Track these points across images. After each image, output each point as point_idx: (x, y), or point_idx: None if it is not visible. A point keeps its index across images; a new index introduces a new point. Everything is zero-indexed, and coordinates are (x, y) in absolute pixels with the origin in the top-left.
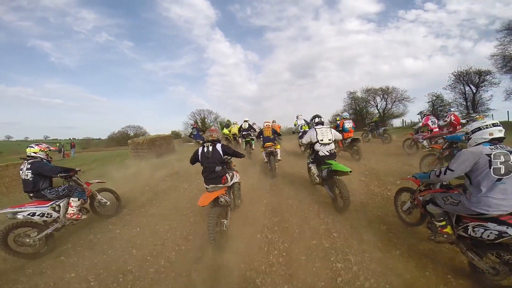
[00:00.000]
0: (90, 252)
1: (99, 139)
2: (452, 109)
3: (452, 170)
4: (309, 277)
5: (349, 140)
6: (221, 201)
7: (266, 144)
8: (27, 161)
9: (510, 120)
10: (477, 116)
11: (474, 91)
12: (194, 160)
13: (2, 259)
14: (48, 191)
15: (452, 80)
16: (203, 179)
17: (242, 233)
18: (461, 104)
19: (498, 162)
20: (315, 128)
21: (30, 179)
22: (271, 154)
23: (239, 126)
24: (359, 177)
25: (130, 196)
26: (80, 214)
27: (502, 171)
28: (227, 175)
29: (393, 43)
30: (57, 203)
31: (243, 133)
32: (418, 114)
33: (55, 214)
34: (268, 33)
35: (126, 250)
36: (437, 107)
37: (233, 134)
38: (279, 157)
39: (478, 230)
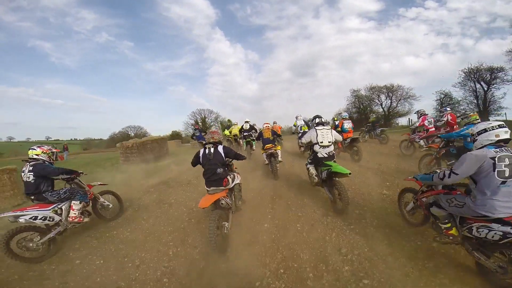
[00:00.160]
0: None
1: (101, 139)
2: (448, 109)
3: (457, 174)
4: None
5: (348, 140)
6: (222, 203)
7: (266, 146)
8: (29, 163)
9: None
10: (471, 114)
11: (486, 88)
12: (195, 162)
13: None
14: (50, 193)
15: (462, 78)
16: (204, 181)
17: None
18: (472, 102)
19: (503, 165)
20: (315, 129)
21: (32, 181)
22: (272, 156)
23: (239, 127)
24: (359, 178)
25: None
26: (82, 217)
27: (507, 174)
28: (228, 177)
29: (393, 42)
30: (59, 206)
31: (244, 133)
32: (415, 113)
33: (57, 218)
34: (268, 32)
35: None
36: (445, 105)
37: (234, 135)
38: (280, 159)
39: (482, 231)
